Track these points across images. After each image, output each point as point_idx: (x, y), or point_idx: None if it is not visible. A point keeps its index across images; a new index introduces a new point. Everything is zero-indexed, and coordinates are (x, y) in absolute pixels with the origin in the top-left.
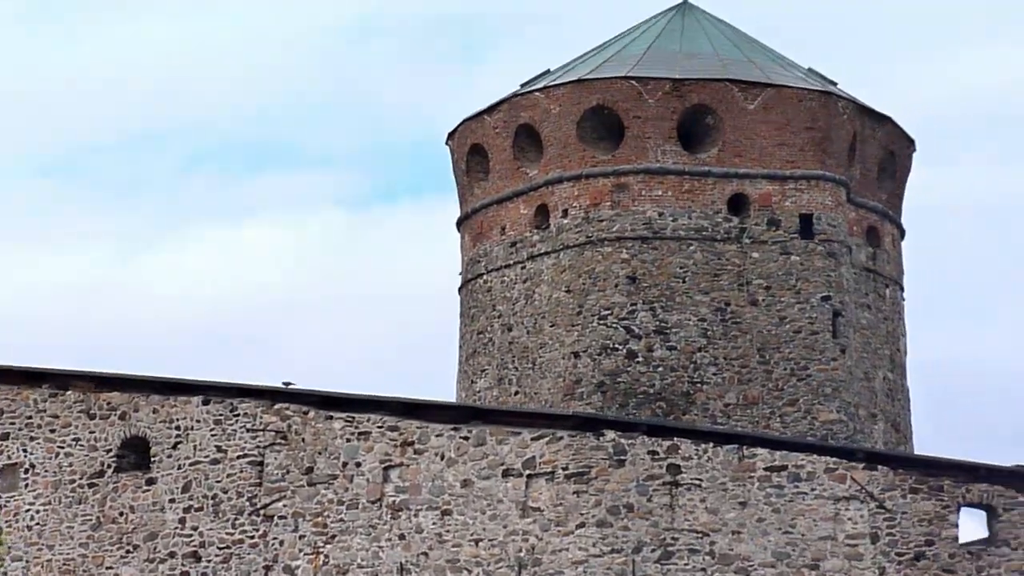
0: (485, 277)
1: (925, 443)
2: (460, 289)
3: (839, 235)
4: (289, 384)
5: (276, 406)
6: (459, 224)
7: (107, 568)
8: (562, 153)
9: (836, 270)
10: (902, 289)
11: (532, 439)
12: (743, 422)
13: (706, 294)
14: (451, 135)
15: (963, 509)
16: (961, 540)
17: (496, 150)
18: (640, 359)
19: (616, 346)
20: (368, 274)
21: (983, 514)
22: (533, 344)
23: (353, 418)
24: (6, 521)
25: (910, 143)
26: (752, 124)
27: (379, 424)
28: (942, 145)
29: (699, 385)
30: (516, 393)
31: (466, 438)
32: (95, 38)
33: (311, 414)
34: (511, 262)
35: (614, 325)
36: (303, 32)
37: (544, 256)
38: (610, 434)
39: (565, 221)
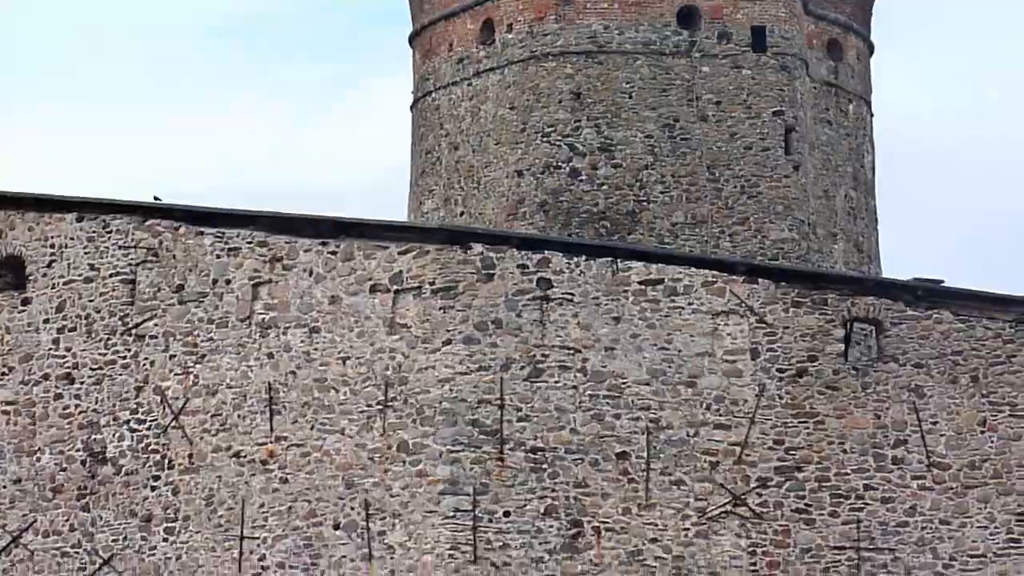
0: (434, 95)
1: (894, 265)
2: (412, 108)
3: (793, 48)
4: (159, 199)
5: (148, 222)
6: (411, 40)
7: None
8: None
9: (790, 84)
10: (869, 105)
11: (399, 253)
12: (691, 242)
13: (653, 110)
14: None
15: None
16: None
17: None
18: (584, 177)
19: (560, 164)
20: None
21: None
22: (478, 163)
23: (223, 234)
24: None
25: None
26: None
27: (248, 240)
28: None
29: (645, 204)
30: (462, 214)
31: (334, 253)
32: None
33: (182, 230)
34: (458, 79)
35: (558, 143)
36: None
37: (489, 72)
38: (478, 247)
39: (510, 36)
